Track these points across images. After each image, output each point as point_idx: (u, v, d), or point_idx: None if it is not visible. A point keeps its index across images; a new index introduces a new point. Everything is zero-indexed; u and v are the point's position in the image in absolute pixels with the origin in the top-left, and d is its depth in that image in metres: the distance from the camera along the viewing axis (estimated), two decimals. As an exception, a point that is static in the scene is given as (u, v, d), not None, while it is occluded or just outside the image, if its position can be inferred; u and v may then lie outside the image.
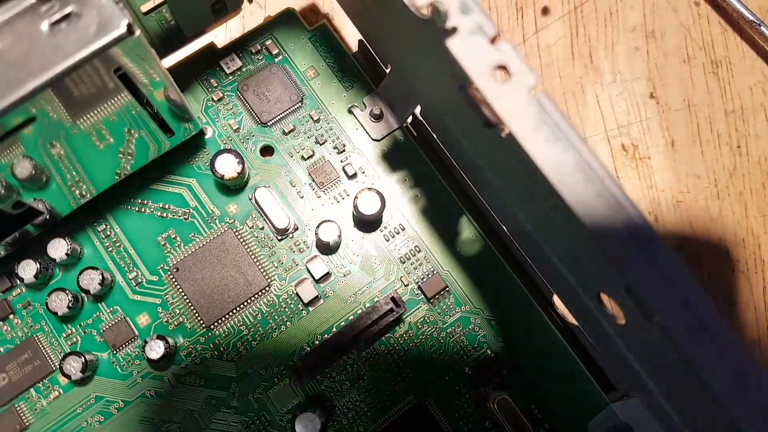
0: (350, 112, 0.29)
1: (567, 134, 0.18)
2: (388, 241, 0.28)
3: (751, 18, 0.32)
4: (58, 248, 0.26)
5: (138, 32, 0.21)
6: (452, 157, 0.28)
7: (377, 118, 0.29)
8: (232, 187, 0.28)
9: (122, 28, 0.20)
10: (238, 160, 0.27)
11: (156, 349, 0.25)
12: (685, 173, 0.31)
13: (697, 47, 0.33)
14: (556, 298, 0.28)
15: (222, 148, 0.28)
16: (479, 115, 0.20)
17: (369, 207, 0.27)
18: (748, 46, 0.33)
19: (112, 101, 0.23)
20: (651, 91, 0.32)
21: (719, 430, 0.19)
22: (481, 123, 0.20)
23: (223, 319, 0.27)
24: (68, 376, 0.25)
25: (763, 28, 0.32)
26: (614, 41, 0.33)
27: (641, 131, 0.32)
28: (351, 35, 0.33)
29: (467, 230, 0.28)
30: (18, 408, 0.26)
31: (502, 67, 0.18)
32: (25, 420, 0.26)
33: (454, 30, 0.19)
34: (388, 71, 0.28)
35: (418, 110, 0.28)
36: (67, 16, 0.20)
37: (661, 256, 0.18)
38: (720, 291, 0.30)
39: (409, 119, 0.29)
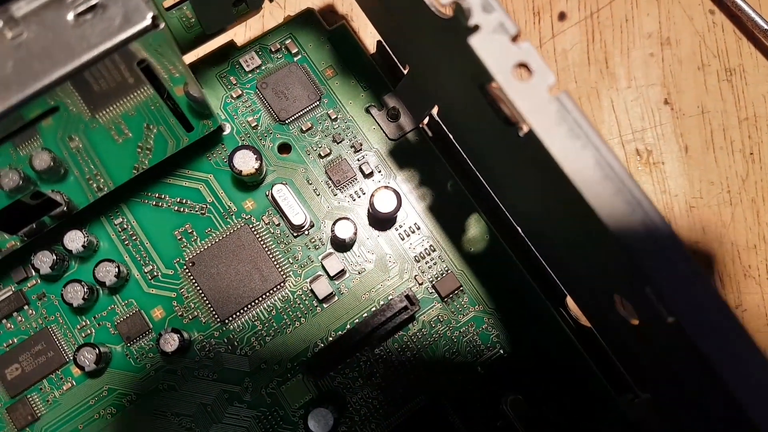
0: (367, 111, 0.29)
1: (586, 132, 0.18)
2: (403, 239, 0.28)
3: (766, 27, 0.33)
4: (74, 240, 0.26)
5: (162, 25, 0.21)
6: (468, 157, 0.28)
7: (394, 117, 0.29)
8: (249, 183, 0.28)
9: (147, 20, 0.20)
10: (256, 156, 0.27)
11: (171, 342, 0.25)
12: (698, 179, 0.32)
13: (711, 55, 0.33)
14: (569, 300, 0.28)
15: (240, 144, 0.28)
16: (498, 113, 0.20)
17: (385, 205, 0.27)
18: (761, 54, 0.33)
19: (133, 95, 0.24)
20: (665, 97, 0.32)
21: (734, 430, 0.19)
22: (501, 121, 0.20)
23: (238, 314, 0.27)
24: (81, 368, 0.25)
25: (776, 37, 0.33)
26: (630, 47, 0.33)
27: (655, 137, 0.32)
28: (369, 36, 0.34)
29: (481, 230, 0.29)
30: (30, 399, 0.26)
31: (523, 65, 0.18)
32: (37, 411, 0.26)
33: (476, 28, 0.19)
34: (405, 72, 0.29)
35: (435, 111, 0.28)
36: (92, 8, 0.20)
37: (678, 255, 0.18)
38: (731, 296, 0.30)
39: (426, 120, 0.30)
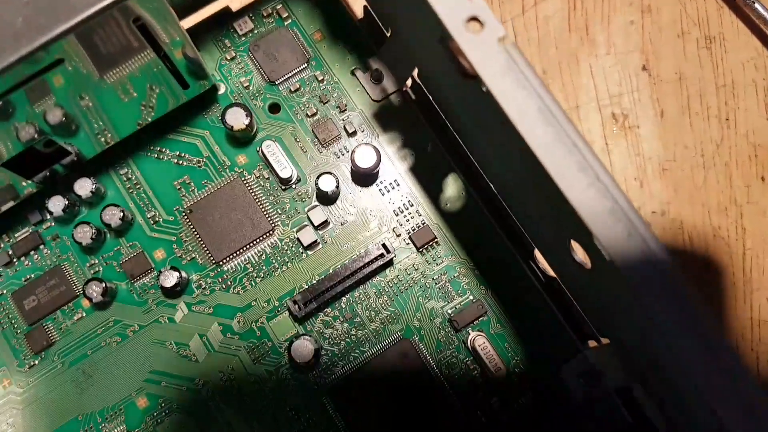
0: (353, 74, 0.31)
1: (531, 81, 0.19)
2: (383, 195, 0.30)
3: (747, -5, 0.33)
4: (83, 186, 0.29)
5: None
6: (445, 117, 0.30)
7: (378, 80, 0.31)
8: (242, 139, 0.30)
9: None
10: (246, 113, 0.29)
11: (169, 278, 0.28)
12: (672, 143, 0.33)
13: (692, 22, 0.34)
14: (537, 253, 0.30)
15: (232, 102, 0.31)
16: (458, 66, 0.22)
17: (365, 160, 0.29)
18: (742, 23, 0.34)
19: (137, 58, 0.26)
20: (644, 64, 0.34)
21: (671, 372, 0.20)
22: (460, 74, 0.22)
23: (231, 256, 0.29)
24: (90, 299, 0.28)
25: (757, 6, 0.33)
26: (611, 15, 0.34)
27: (632, 101, 0.33)
28: (357, 2, 0.35)
29: (457, 187, 0.31)
30: (46, 327, 0.29)
31: (475, 19, 0.20)
32: (52, 337, 0.29)
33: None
34: (388, 35, 0.30)
35: (416, 73, 0.30)
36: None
37: (612, 191, 0.19)
38: (699, 255, 0.32)
39: (409, 83, 0.32)
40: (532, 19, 0.34)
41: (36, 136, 0.26)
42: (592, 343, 0.30)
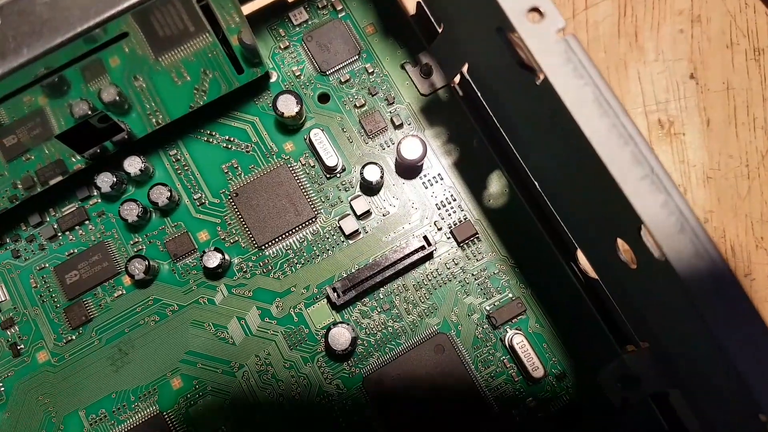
0: (402, 67, 0.32)
1: (589, 71, 0.20)
2: (426, 188, 0.30)
3: (799, 9, 0.33)
4: (133, 164, 0.29)
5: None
6: (494, 115, 0.30)
7: (427, 74, 0.31)
8: (290, 127, 0.31)
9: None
10: (297, 100, 0.29)
11: (212, 258, 0.28)
12: (717, 152, 0.33)
13: (741, 34, 0.34)
14: (579, 254, 0.29)
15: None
16: (514, 55, 0.22)
17: (411, 152, 0.29)
18: (792, 36, 0.34)
19: (194, 41, 0.26)
20: (692, 72, 0.33)
21: (718, 373, 0.20)
22: (517, 65, 0.22)
23: (273, 241, 0.30)
24: (132, 276, 0.28)
25: (809, 19, 0.33)
26: (660, 23, 0.34)
27: (678, 109, 0.33)
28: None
29: (501, 184, 0.31)
30: (85, 302, 0.29)
31: (535, 9, 0.20)
32: (90, 313, 0.29)
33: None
34: (440, 30, 0.31)
35: (465, 69, 0.30)
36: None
37: (670, 188, 0.19)
38: (741, 265, 0.31)
39: (457, 79, 0.32)
40: (582, 23, 0.34)
41: (89, 112, 0.27)
42: (630, 347, 0.29)
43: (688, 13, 0.34)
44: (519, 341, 0.28)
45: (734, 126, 0.33)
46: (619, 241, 0.24)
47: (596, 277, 0.29)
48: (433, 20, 0.31)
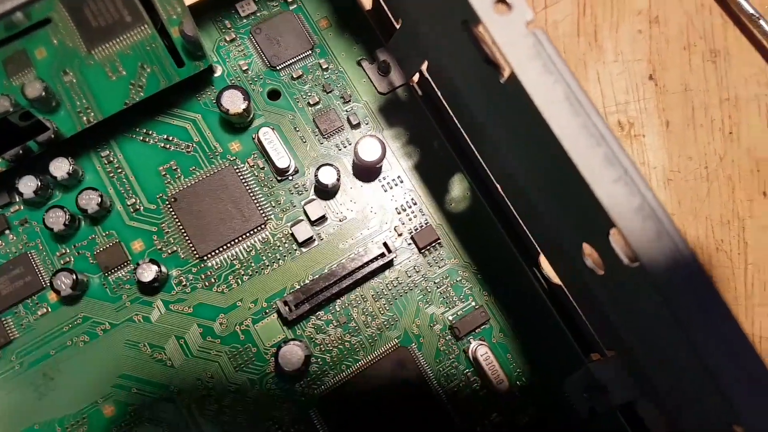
0: (359, 64, 0.30)
1: (559, 68, 0.18)
2: (385, 191, 0.29)
3: (752, 11, 0.34)
4: (60, 167, 0.26)
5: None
6: (455, 115, 0.29)
7: (385, 72, 0.30)
8: (237, 125, 0.28)
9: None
10: (244, 96, 0.27)
11: (147, 272, 0.25)
12: (677, 154, 0.32)
13: (698, 36, 0.34)
14: (542, 259, 0.28)
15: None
16: (480, 51, 0.20)
17: (369, 153, 0.27)
18: (746, 38, 0.34)
19: (131, 33, 0.24)
20: (651, 73, 0.33)
21: (693, 382, 0.19)
22: (482, 60, 0.21)
23: (217, 251, 0.27)
24: (58, 292, 0.25)
25: (762, 22, 0.33)
26: (619, 22, 0.34)
27: (638, 110, 0.33)
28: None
29: (462, 187, 0.29)
30: (4, 322, 0.26)
31: (503, 1, 0.18)
32: (10, 334, 0.26)
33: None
34: (398, 26, 0.29)
35: (424, 68, 0.29)
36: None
37: (645, 191, 0.18)
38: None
39: (416, 78, 0.30)
40: (541, 22, 0.33)
41: (11, 109, 0.24)
42: (595, 356, 0.28)
43: (647, 14, 0.34)
44: (483, 353, 0.27)
45: (693, 128, 0.33)
46: (585, 245, 0.23)
47: (560, 283, 0.27)
48: (390, 15, 0.29)
